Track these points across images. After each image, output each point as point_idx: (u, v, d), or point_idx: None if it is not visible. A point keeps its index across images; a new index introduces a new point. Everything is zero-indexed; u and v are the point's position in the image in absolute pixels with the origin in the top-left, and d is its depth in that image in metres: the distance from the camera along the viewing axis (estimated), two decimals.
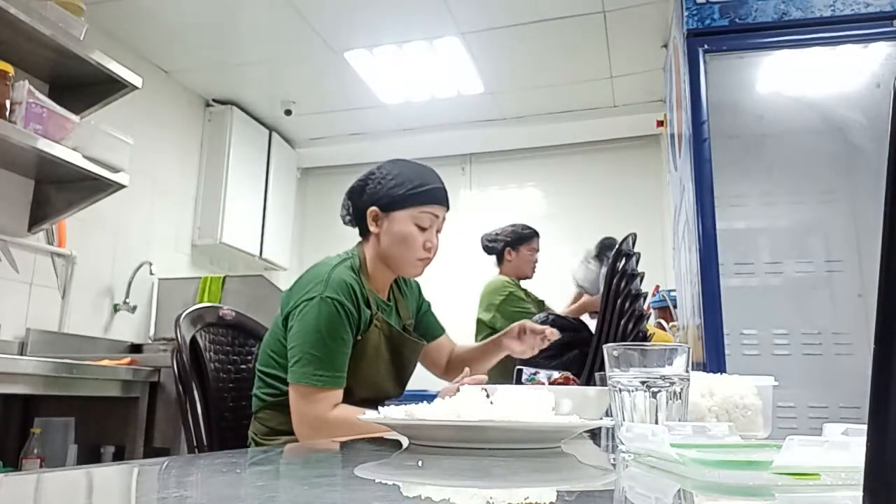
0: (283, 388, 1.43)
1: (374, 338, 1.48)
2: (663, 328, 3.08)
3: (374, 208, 1.52)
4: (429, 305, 1.78)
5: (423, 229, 1.51)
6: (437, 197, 1.52)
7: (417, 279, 1.71)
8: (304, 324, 1.38)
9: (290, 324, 1.42)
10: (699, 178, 2.02)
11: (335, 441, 1.15)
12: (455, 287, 3.70)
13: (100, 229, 3.28)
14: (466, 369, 1.54)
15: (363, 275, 1.52)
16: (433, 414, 0.85)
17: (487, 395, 0.88)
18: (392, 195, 1.50)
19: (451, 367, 1.77)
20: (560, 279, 4.20)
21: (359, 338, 1.45)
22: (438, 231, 1.56)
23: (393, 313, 1.60)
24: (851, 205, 2.04)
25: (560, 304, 3.35)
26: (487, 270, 3.27)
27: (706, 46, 2.10)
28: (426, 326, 1.75)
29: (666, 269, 3.71)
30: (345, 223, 1.63)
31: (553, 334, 1.64)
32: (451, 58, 3.60)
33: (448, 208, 1.57)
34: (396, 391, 1.58)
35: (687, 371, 0.82)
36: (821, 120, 2.10)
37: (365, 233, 1.58)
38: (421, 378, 1.75)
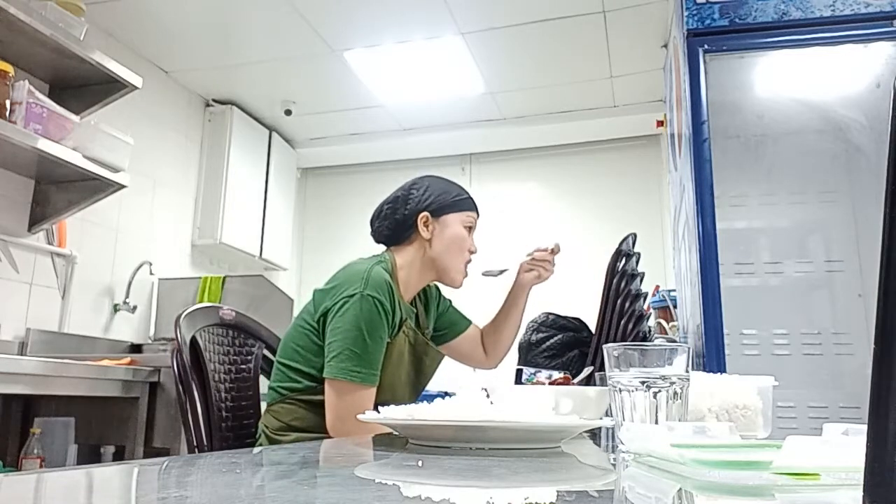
0: (304, 383, 1.46)
1: (400, 343, 1.51)
2: (663, 328, 3.08)
3: (425, 213, 1.61)
4: (450, 303, 1.82)
5: (469, 231, 1.65)
6: (475, 205, 1.70)
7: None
8: (345, 320, 1.42)
9: (329, 320, 1.45)
10: (699, 178, 2.02)
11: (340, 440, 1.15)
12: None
13: (100, 229, 3.28)
14: None
15: (393, 280, 1.55)
16: (433, 414, 0.85)
17: (487, 395, 0.88)
18: (442, 201, 1.62)
19: (490, 347, 1.83)
20: (560, 279, 4.20)
21: (388, 340, 1.47)
22: None
23: (416, 322, 1.63)
24: (851, 205, 2.04)
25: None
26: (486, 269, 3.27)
27: (706, 46, 2.10)
28: (450, 322, 1.79)
29: (666, 269, 3.71)
30: (378, 235, 1.67)
31: (558, 247, 1.76)
32: (451, 58, 3.60)
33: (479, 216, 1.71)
34: (412, 399, 1.60)
35: (687, 371, 0.82)
36: (821, 120, 2.10)
37: (403, 240, 1.63)
38: None
